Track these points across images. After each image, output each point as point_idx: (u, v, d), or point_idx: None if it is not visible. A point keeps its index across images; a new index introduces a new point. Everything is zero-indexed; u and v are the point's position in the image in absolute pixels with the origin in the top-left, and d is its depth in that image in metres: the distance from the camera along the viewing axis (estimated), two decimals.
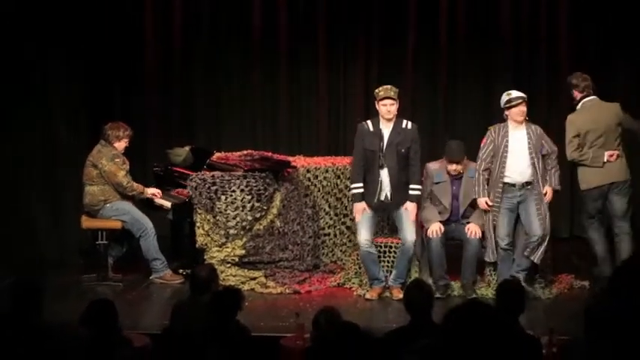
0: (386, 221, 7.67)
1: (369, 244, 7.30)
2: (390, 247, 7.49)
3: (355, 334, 3.46)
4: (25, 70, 8.60)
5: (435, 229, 7.25)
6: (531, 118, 7.29)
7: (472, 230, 7.26)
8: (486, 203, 7.19)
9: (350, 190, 7.51)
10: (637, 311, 4.15)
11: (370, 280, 7.40)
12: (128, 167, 7.84)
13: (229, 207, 7.60)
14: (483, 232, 7.27)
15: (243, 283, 7.50)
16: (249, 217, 7.63)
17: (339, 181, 8.17)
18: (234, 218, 7.61)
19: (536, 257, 7.16)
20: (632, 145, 7.77)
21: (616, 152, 7.31)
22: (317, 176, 8.13)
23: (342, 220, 8.23)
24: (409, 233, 7.27)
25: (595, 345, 4.10)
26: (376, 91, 7.33)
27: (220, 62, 9.48)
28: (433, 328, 4.53)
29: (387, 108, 7.22)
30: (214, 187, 7.62)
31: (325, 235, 8.19)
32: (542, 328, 5.36)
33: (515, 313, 4.80)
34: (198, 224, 7.66)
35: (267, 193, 7.69)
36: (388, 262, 7.47)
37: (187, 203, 7.75)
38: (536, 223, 7.12)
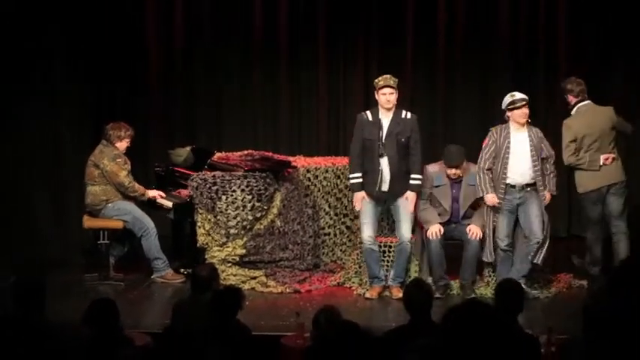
0: (386, 221, 7.70)
1: (372, 241, 7.32)
2: (390, 246, 7.51)
3: (355, 333, 3.47)
4: (27, 71, 8.63)
5: (435, 230, 7.27)
6: (530, 119, 7.31)
7: (473, 232, 7.28)
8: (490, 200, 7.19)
9: (349, 179, 7.51)
10: (635, 310, 4.17)
11: (370, 279, 7.42)
12: (130, 167, 7.87)
13: (230, 207, 7.62)
14: (483, 233, 7.30)
15: (243, 282, 7.52)
16: (250, 217, 7.66)
17: (339, 181, 8.20)
18: (234, 218, 7.63)
19: (539, 259, 7.19)
20: (627, 147, 7.81)
21: (611, 155, 7.37)
22: (317, 176, 8.16)
23: (342, 219, 8.25)
24: (406, 231, 7.29)
25: (593, 344, 4.12)
26: (376, 80, 7.35)
27: (221, 62, 9.49)
28: (432, 328, 4.55)
29: (387, 97, 7.24)
30: (215, 187, 7.64)
31: (325, 234, 8.22)
32: (541, 328, 5.37)
33: (514, 313, 4.82)
34: (199, 224, 7.68)
35: (267, 193, 7.72)
36: (388, 261, 7.49)
37: (188, 203, 7.78)
38: (537, 225, 7.14)
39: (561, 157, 7.41)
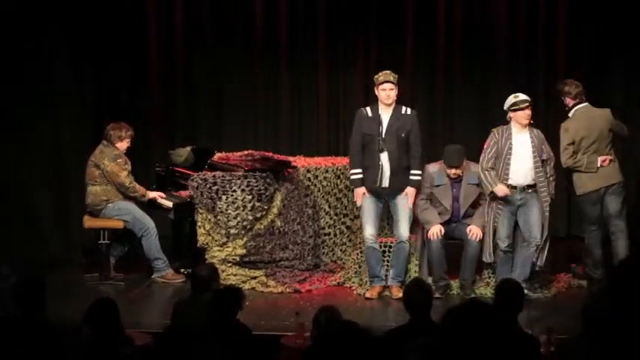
0: (386, 221, 7.70)
1: (374, 240, 7.33)
2: (390, 246, 7.51)
3: (355, 333, 3.48)
4: (27, 71, 8.63)
5: (436, 231, 7.27)
6: (532, 120, 7.31)
7: (474, 232, 7.28)
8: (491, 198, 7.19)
9: (349, 175, 7.52)
10: (634, 310, 4.18)
11: (370, 278, 7.42)
12: (130, 167, 7.88)
13: (230, 207, 7.63)
14: (483, 233, 7.30)
15: (243, 282, 7.53)
16: (250, 217, 7.66)
17: (339, 181, 8.21)
18: (235, 218, 7.64)
19: (541, 260, 7.21)
20: (623, 149, 7.83)
21: (609, 157, 7.40)
22: (317, 176, 8.16)
23: (342, 219, 8.26)
24: (404, 230, 7.30)
25: (593, 344, 4.13)
26: (376, 76, 7.37)
27: (221, 62, 9.50)
28: (432, 328, 4.56)
29: (387, 92, 7.25)
30: (215, 187, 7.65)
31: (325, 234, 8.22)
32: (541, 327, 5.37)
33: (513, 313, 4.82)
34: (199, 224, 7.69)
35: (267, 193, 7.73)
36: (388, 261, 7.49)
37: (188, 203, 7.79)
38: (536, 229, 7.14)
39: (559, 159, 7.42)
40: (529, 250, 7.15)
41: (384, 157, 7.25)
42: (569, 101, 7.51)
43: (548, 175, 7.24)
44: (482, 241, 7.29)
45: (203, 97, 9.58)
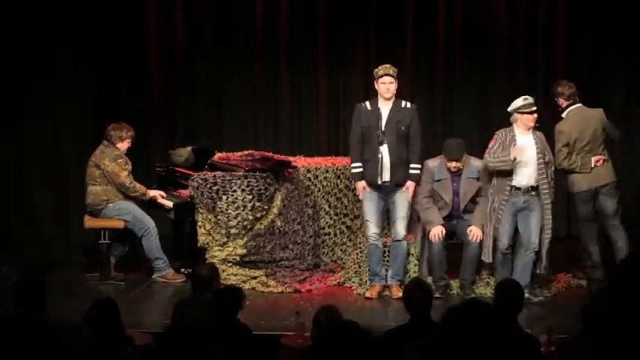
0: (386, 221, 7.70)
1: (377, 238, 7.34)
2: (390, 246, 7.52)
3: (355, 333, 3.48)
4: (27, 71, 8.64)
5: (437, 232, 7.26)
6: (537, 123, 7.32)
7: (474, 233, 7.27)
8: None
9: (350, 169, 7.52)
10: (634, 310, 4.18)
11: (371, 277, 7.43)
12: (130, 168, 7.89)
13: (230, 206, 7.64)
14: (483, 232, 7.30)
15: (244, 282, 7.53)
16: (250, 217, 7.67)
17: (339, 181, 8.21)
18: (235, 218, 7.65)
19: (540, 268, 7.23)
20: (622, 148, 7.84)
21: (602, 157, 7.42)
22: (317, 176, 8.17)
23: (342, 219, 8.27)
24: (400, 228, 7.31)
25: (593, 344, 4.13)
26: (376, 70, 7.37)
27: (221, 62, 9.50)
28: (432, 327, 4.56)
29: (386, 86, 7.26)
30: (216, 187, 7.66)
31: (325, 234, 8.23)
32: (541, 327, 5.37)
33: (513, 312, 4.82)
34: (199, 224, 7.70)
35: (267, 193, 7.73)
36: (388, 261, 7.50)
37: (189, 203, 7.79)
38: (535, 235, 7.15)
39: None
40: (527, 255, 7.16)
41: (384, 150, 7.25)
42: (562, 102, 7.53)
43: (549, 179, 7.24)
44: (482, 241, 7.29)
45: (203, 97, 9.59)
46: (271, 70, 9.56)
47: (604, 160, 7.43)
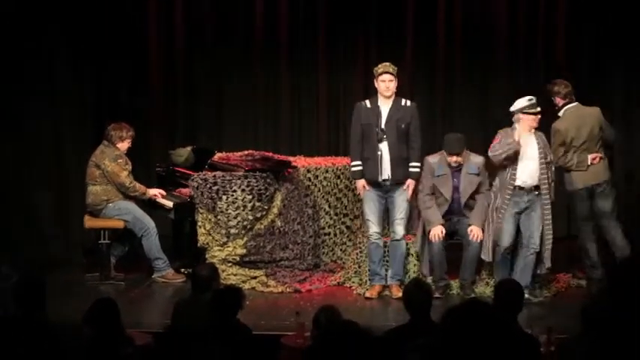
0: (386, 220, 7.71)
1: (379, 237, 7.34)
2: (390, 247, 7.52)
3: (355, 333, 3.48)
4: (27, 71, 8.65)
5: (437, 232, 7.25)
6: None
7: (474, 233, 7.27)
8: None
9: (350, 167, 7.52)
10: (634, 310, 4.18)
11: (371, 276, 7.43)
12: (131, 168, 7.89)
13: (230, 206, 7.64)
14: (483, 230, 7.30)
15: (244, 282, 7.54)
16: (250, 217, 7.67)
17: (339, 181, 8.21)
18: (235, 218, 7.65)
19: (541, 268, 7.25)
20: (624, 149, 7.85)
21: (598, 155, 7.44)
22: (317, 176, 8.17)
23: (342, 219, 8.27)
24: (399, 228, 7.32)
25: (592, 344, 4.13)
26: (375, 68, 7.38)
27: (221, 62, 9.50)
28: (432, 327, 4.56)
29: (386, 84, 7.26)
30: (216, 187, 7.66)
31: (325, 234, 8.23)
32: (541, 327, 5.38)
33: (513, 312, 4.83)
34: (199, 224, 7.70)
35: (267, 193, 7.73)
36: (388, 261, 7.50)
37: (189, 203, 7.79)
38: (536, 236, 7.16)
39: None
40: (528, 256, 7.16)
41: (384, 148, 7.25)
42: (558, 101, 7.55)
43: (550, 179, 7.25)
44: (482, 240, 7.29)
45: (203, 97, 9.59)
46: (271, 70, 9.56)
47: (600, 158, 7.44)
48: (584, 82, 8.88)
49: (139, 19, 9.35)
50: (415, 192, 7.42)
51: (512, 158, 7.12)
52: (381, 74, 7.28)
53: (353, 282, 7.66)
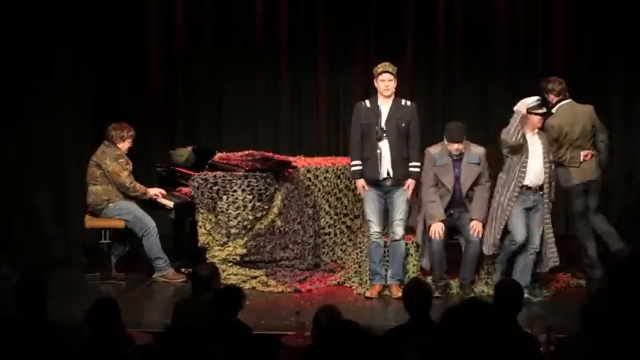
0: (386, 220, 7.71)
1: (379, 237, 7.35)
2: (389, 247, 7.52)
3: (355, 333, 3.49)
4: (27, 71, 8.65)
5: (437, 229, 7.25)
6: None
7: (476, 229, 7.26)
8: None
9: (350, 167, 7.52)
10: (633, 310, 4.19)
11: (371, 275, 7.43)
12: (131, 168, 7.89)
13: (231, 206, 7.64)
14: (484, 225, 7.29)
15: (244, 281, 7.54)
16: (251, 217, 7.68)
17: (339, 181, 8.22)
18: (235, 218, 7.66)
19: (541, 267, 7.24)
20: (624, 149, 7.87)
21: (590, 152, 7.47)
22: (317, 176, 8.17)
23: (342, 219, 8.27)
24: (399, 228, 7.32)
25: (592, 343, 4.14)
26: (375, 67, 7.39)
27: (221, 62, 9.50)
28: (432, 327, 4.57)
29: (386, 84, 7.27)
30: (216, 187, 7.67)
31: (325, 234, 8.23)
32: (540, 327, 5.38)
33: (513, 312, 4.83)
34: (200, 223, 7.71)
35: (268, 193, 7.74)
36: (388, 260, 7.50)
37: (189, 203, 7.80)
38: (537, 236, 7.17)
39: None
40: (528, 256, 7.17)
41: (384, 146, 7.25)
42: (552, 98, 7.58)
43: (551, 180, 7.25)
44: (482, 237, 7.28)
45: (203, 97, 9.58)
46: (271, 70, 9.56)
47: (592, 155, 7.48)
48: (584, 82, 8.88)
49: (139, 19, 9.34)
50: (415, 192, 7.42)
51: (517, 148, 7.08)
52: (380, 74, 7.29)
53: (353, 282, 7.67)
